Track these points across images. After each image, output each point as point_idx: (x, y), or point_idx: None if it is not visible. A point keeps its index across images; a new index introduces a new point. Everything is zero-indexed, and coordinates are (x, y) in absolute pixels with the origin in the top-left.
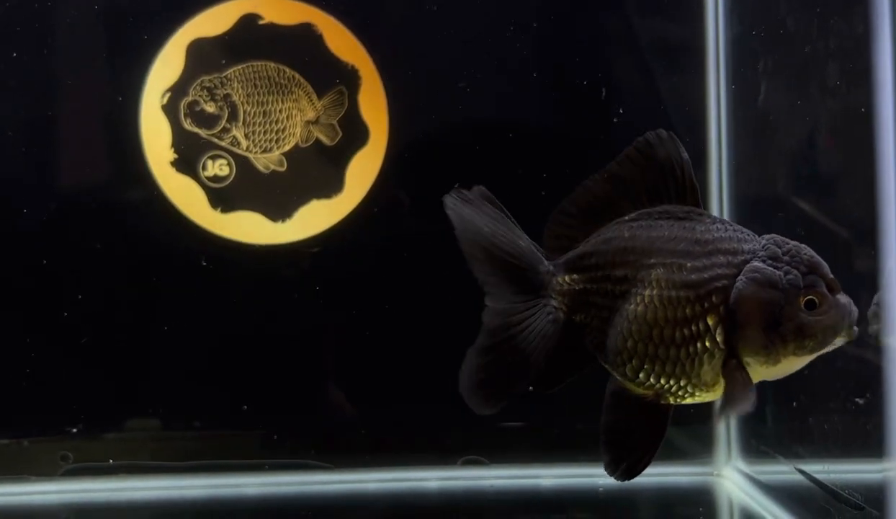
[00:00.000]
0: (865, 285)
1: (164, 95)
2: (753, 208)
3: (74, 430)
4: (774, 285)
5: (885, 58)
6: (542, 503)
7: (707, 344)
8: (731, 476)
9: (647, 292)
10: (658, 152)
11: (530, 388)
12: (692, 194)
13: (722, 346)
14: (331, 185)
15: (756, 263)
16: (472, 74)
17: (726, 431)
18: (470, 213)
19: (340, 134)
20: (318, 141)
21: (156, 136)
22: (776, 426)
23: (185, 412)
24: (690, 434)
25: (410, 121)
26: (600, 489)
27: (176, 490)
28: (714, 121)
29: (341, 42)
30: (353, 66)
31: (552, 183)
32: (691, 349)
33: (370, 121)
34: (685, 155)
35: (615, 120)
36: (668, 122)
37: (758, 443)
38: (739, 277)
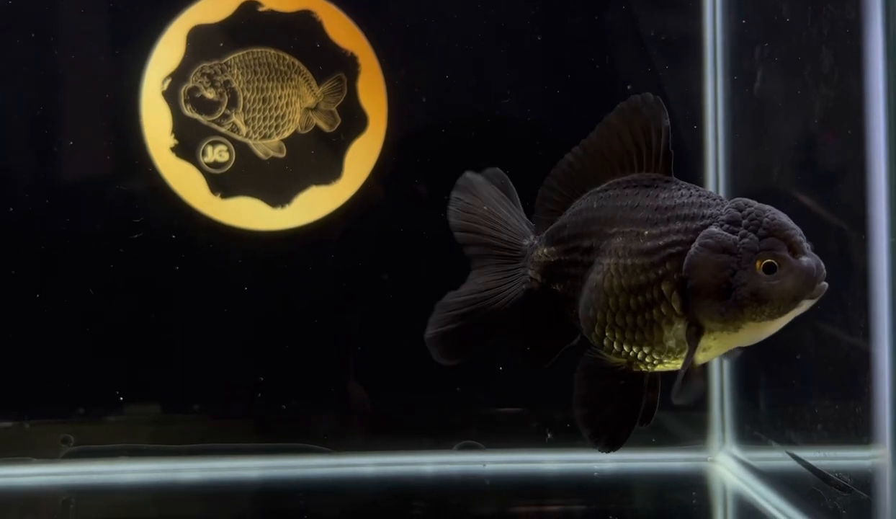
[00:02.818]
0: (862, 276)
1: (164, 82)
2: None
3: (75, 414)
4: (727, 250)
5: (876, 43)
6: (537, 488)
7: (663, 310)
8: (725, 462)
9: (606, 261)
10: (636, 118)
11: (526, 367)
12: (665, 162)
13: (679, 312)
14: (330, 172)
15: (712, 229)
16: (470, 62)
17: (720, 416)
18: (468, 195)
19: (339, 121)
20: (317, 127)
21: (156, 122)
22: (769, 412)
23: (185, 396)
24: (684, 420)
25: (409, 108)
26: (595, 474)
27: (176, 473)
28: (711, 110)
29: (341, 29)
30: (352, 54)
31: (547, 171)
32: (647, 316)
33: (369, 108)
34: (666, 121)
35: (611, 109)
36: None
37: (751, 428)
38: (693, 244)
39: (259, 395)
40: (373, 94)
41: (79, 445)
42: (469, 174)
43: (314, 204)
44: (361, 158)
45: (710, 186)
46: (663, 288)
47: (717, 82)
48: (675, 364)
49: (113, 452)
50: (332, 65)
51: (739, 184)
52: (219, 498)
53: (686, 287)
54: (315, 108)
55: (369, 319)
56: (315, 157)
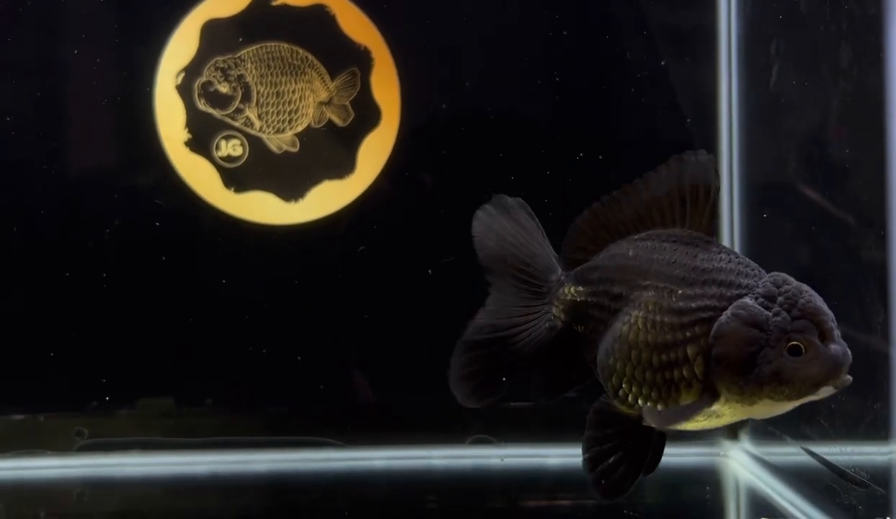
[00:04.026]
0: (880, 272)
1: (178, 76)
2: (764, 194)
3: (89, 407)
4: (758, 325)
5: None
6: (549, 482)
7: (685, 373)
8: (738, 457)
9: (635, 313)
10: (686, 173)
11: (536, 399)
12: (708, 222)
13: (700, 377)
14: (343, 166)
15: (746, 300)
16: (483, 56)
17: None
18: (494, 223)
19: (353, 115)
20: (330, 122)
21: (170, 117)
22: None
23: (198, 390)
24: None
25: (422, 102)
26: None
27: (188, 466)
28: (725, 105)
29: (354, 23)
30: (365, 48)
31: (560, 165)
32: (667, 375)
33: (382, 102)
34: (716, 181)
35: (623, 102)
36: (679, 108)
37: (765, 423)
38: (725, 312)
39: (271, 388)
40: (386, 88)
41: (92, 438)
42: (501, 196)
43: (327, 198)
44: (375, 153)
45: (724, 180)
46: (688, 350)
47: (732, 77)
48: (684, 426)
49: (126, 446)
50: (345, 59)
51: (753, 179)
52: (230, 491)
53: (710, 353)
54: (328, 103)
55: (382, 312)
56: (328, 151)
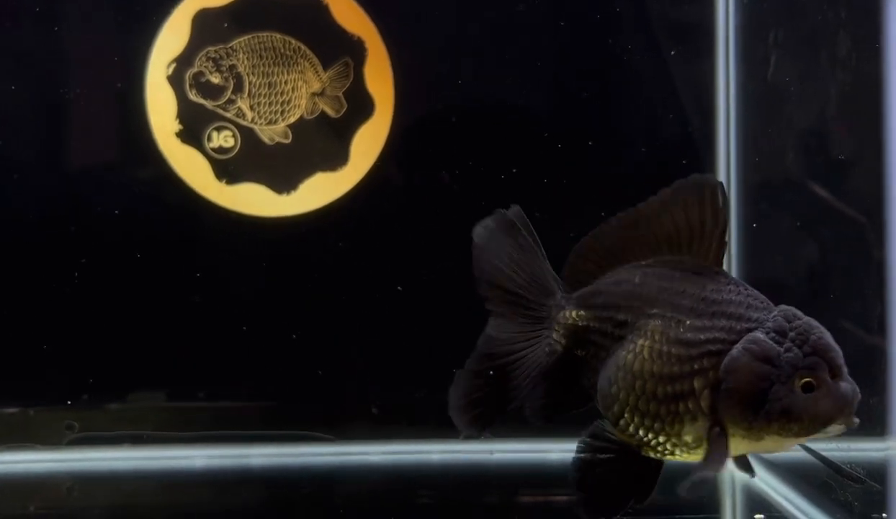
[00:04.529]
0: (878, 266)
1: (169, 66)
2: (762, 187)
3: (79, 400)
4: (770, 360)
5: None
6: (546, 477)
7: (690, 406)
8: None
9: (640, 342)
10: (694, 199)
11: (531, 421)
12: (718, 251)
13: (706, 411)
14: (336, 158)
15: (758, 334)
16: (478, 47)
17: None
18: (491, 245)
19: (346, 106)
20: (323, 113)
21: (161, 107)
22: None
23: (190, 383)
24: None
25: (416, 93)
26: None
27: (180, 460)
28: (723, 95)
29: (347, 13)
30: (359, 38)
31: (556, 159)
32: (672, 407)
33: (376, 93)
34: (726, 208)
35: (620, 96)
36: (677, 100)
37: None
38: (736, 346)
39: (264, 382)
40: (380, 79)
41: (83, 432)
42: (499, 212)
43: (320, 190)
44: (368, 144)
45: (721, 173)
46: (696, 383)
47: (730, 67)
48: (684, 457)
49: (117, 440)
50: (338, 49)
51: (751, 170)
52: (223, 486)
53: (719, 387)
54: (321, 94)
55: (375, 306)
56: (321, 142)
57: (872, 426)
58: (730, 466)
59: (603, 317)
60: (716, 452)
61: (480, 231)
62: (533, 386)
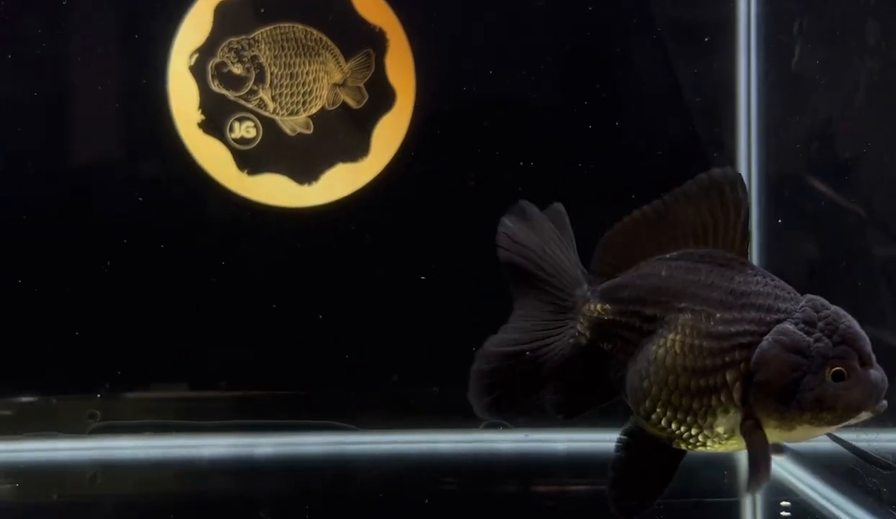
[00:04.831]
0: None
1: (191, 56)
2: (783, 181)
3: (102, 389)
4: (800, 351)
5: None
6: (562, 467)
7: (723, 398)
8: None
9: (671, 336)
10: (715, 191)
11: (558, 416)
12: (742, 242)
13: (738, 403)
14: (357, 149)
15: (787, 325)
16: (500, 39)
17: None
18: (519, 235)
19: (367, 97)
20: (344, 104)
21: (183, 98)
22: None
23: (211, 372)
24: None
25: (437, 84)
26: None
27: (201, 449)
28: (744, 84)
29: (369, 4)
30: (380, 29)
31: (575, 151)
32: (705, 401)
33: (397, 84)
34: (747, 200)
35: (638, 89)
36: (699, 90)
37: None
38: (766, 337)
39: (286, 371)
40: (401, 70)
41: (105, 421)
42: (525, 203)
43: (341, 181)
44: (389, 135)
45: (742, 163)
46: (728, 376)
47: (752, 56)
48: (716, 448)
49: (139, 428)
50: (359, 40)
51: (772, 161)
52: (243, 474)
53: (751, 379)
54: (342, 85)
55: (396, 296)
56: (342, 133)
57: None
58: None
59: (629, 311)
60: (759, 451)
61: (507, 225)
62: (555, 376)
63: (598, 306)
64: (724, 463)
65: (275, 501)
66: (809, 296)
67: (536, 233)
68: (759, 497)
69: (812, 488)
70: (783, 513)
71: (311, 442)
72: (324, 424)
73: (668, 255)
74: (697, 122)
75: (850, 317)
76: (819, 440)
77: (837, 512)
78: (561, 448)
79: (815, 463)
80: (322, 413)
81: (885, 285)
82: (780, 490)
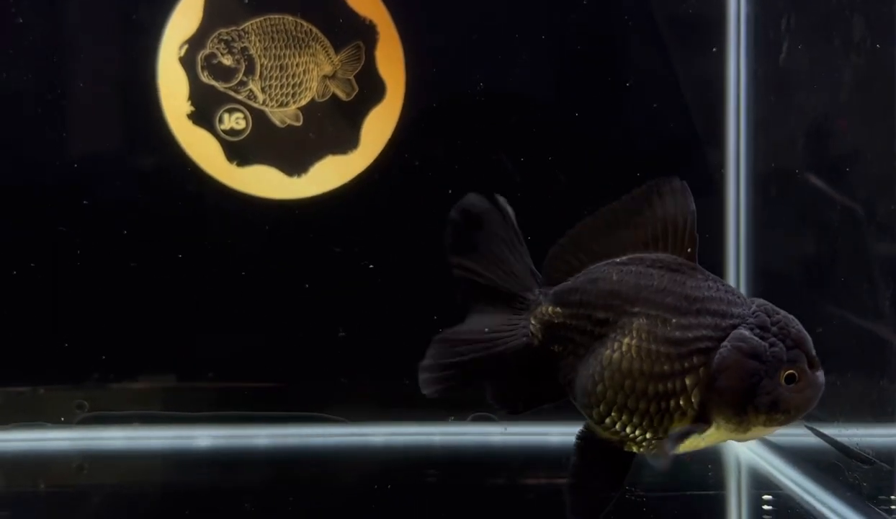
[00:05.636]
0: (889, 251)
1: (181, 47)
2: (771, 177)
3: (89, 379)
4: (758, 356)
5: None
6: (551, 460)
7: (681, 403)
8: None
9: (626, 340)
10: (663, 199)
11: (502, 410)
12: (689, 248)
13: (695, 407)
14: (346, 141)
15: (743, 331)
16: (490, 32)
17: None
18: (470, 234)
19: (357, 89)
20: (334, 96)
21: (173, 89)
22: None
23: (199, 363)
24: None
25: (427, 77)
26: None
27: (188, 440)
28: (733, 81)
29: None
30: (370, 21)
31: (564, 146)
32: (663, 405)
33: (387, 76)
34: (692, 206)
35: (628, 85)
36: (688, 87)
37: None
38: (724, 343)
39: (272, 363)
40: (391, 62)
41: (93, 411)
42: (474, 200)
43: (330, 173)
44: (378, 128)
45: (731, 161)
46: (686, 380)
47: (741, 54)
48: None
49: (126, 419)
50: (350, 32)
51: (761, 158)
52: (230, 465)
53: (710, 384)
54: (332, 77)
55: (384, 288)
56: (332, 125)
57: (883, 410)
58: (736, 445)
59: (580, 314)
60: (682, 433)
61: (456, 217)
62: (504, 371)
63: (549, 309)
64: (710, 457)
65: (262, 493)
66: (759, 300)
67: (487, 234)
68: (742, 491)
69: (794, 482)
70: (765, 507)
71: (299, 433)
72: (312, 415)
73: (618, 260)
74: (688, 118)
75: (797, 321)
76: (801, 435)
77: (818, 506)
78: (553, 441)
79: (797, 457)
80: (310, 405)
81: (877, 281)
82: (763, 484)
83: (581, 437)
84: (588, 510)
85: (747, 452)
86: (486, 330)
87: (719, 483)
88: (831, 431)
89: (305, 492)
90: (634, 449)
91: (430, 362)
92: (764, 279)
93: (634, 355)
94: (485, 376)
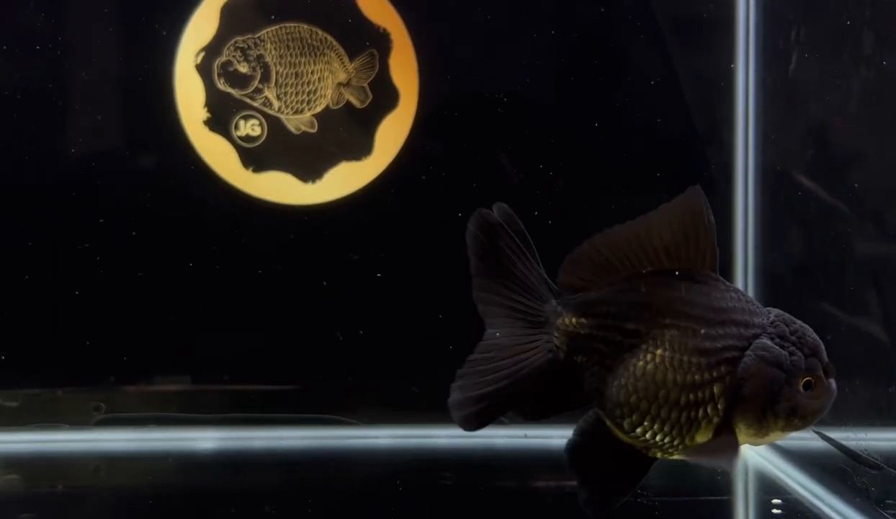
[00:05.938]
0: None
1: (198, 55)
2: (779, 182)
3: (106, 381)
4: (779, 365)
5: None
6: (552, 462)
7: (709, 411)
8: None
9: (658, 352)
10: (683, 210)
11: (525, 421)
12: (711, 259)
13: (721, 414)
14: (360, 148)
15: (765, 341)
16: (503, 40)
17: None
18: (490, 245)
19: (371, 97)
20: (348, 103)
21: (189, 96)
22: None
23: (214, 366)
24: None
25: (440, 85)
26: None
27: (204, 442)
28: (742, 90)
29: (374, 5)
30: (384, 29)
31: (575, 151)
32: (692, 414)
33: (400, 84)
34: (712, 219)
35: (640, 91)
36: (695, 95)
37: None
38: (748, 352)
39: (286, 366)
40: (404, 70)
41: (110, 413)
42: (483, 217)
43: (345, 179)
44: (392, 135)
45: (740, 168)
46: (715, 389)
47: (750, 62)
48: (681, 455)
49: (143, 421)
50: (364, 41)
51: (769, 165)
52: (246, 467)
53: (736, 392)
54: (347, 84)
55: (397, 294)
56: (346, 132)
57: (892, 415)
58: (744, 450)
59: (608, 325)
60: (729, 449)
61: (472, 236)
62: (533, 391)
63: (573, 320)
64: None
65: (275, 495)
66: (775, 310)
67: (499, 249)
68: (751, 495)
69: (802, 486)
70: (774, 511)
71: (311, 436)
72: (324, 418)
73: (644, 272)
74: (695, 121)
75: (812, 330)
76: (809, 440)
77: (827, 510)
78: (556, 444)
79: (806, 462)
80: (323, 407)
81: (883, 287)
82: (772, 488)
83: (598, 435)
84: (601, 506)
85: (755, 456)
86: (508, 352)
87: (728, 488)
88: (839, 435)
89: (319, 494)
90: (658, 454)
91: (460, 397)
92: (771, 284)
93: (668, 366)
94: (516, 400)
